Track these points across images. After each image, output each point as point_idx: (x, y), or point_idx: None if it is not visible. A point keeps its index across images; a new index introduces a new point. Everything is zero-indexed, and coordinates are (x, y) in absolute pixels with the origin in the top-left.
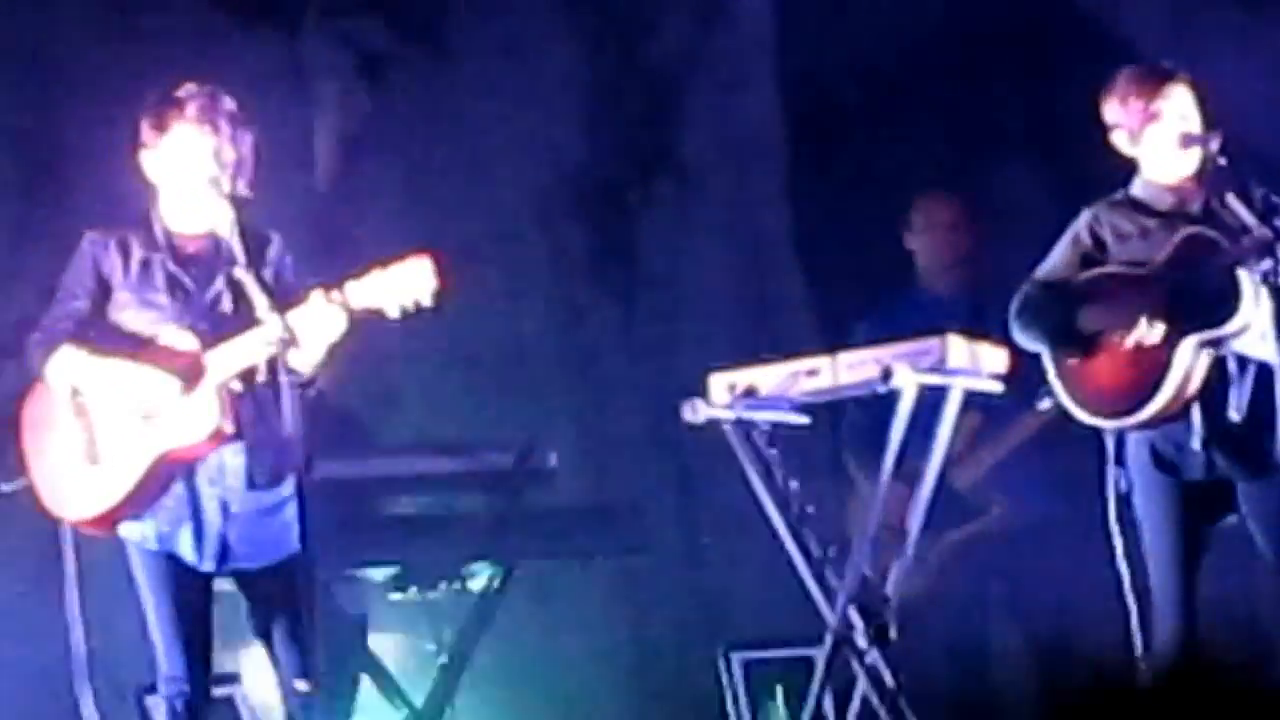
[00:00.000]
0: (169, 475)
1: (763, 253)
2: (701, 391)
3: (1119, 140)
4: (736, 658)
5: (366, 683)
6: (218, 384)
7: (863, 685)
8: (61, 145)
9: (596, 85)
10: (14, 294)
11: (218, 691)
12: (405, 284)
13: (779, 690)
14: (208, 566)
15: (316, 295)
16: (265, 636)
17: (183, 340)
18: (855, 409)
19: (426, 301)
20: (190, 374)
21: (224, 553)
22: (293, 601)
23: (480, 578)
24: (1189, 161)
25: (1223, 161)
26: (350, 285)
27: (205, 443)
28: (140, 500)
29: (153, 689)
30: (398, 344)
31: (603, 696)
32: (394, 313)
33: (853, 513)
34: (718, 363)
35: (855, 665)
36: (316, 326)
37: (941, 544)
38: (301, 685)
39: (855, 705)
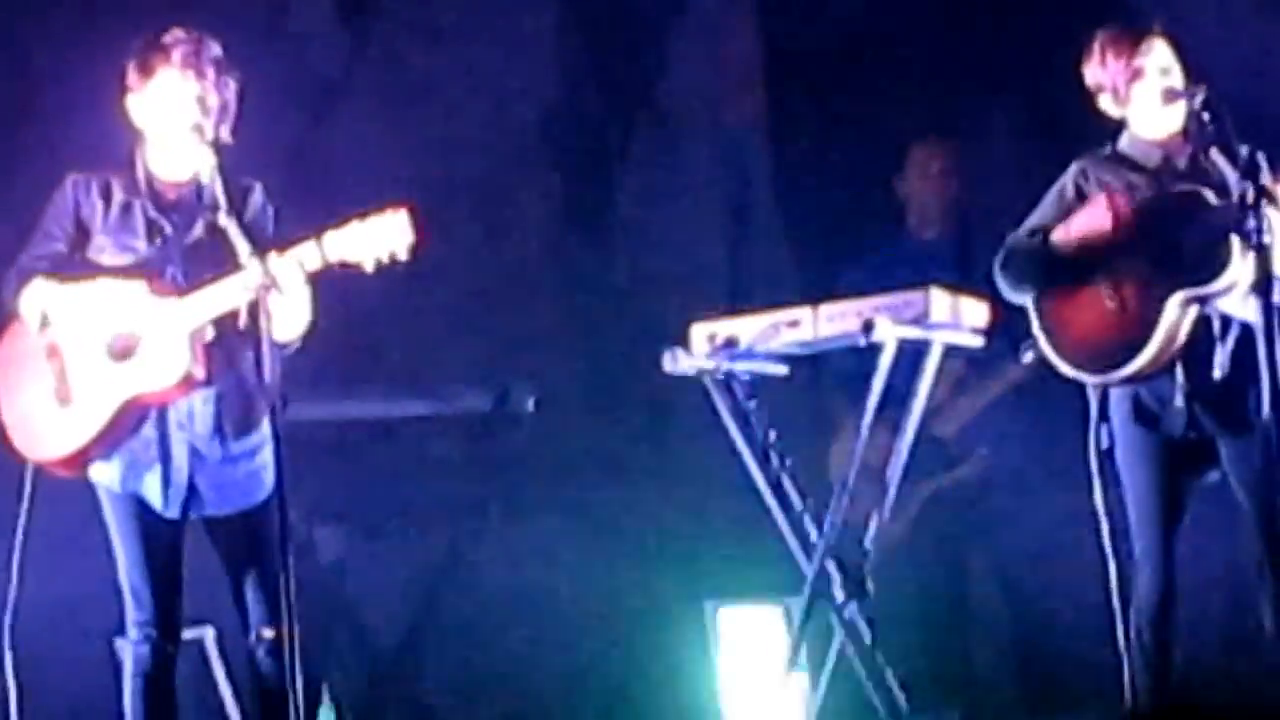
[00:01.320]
0: (139, 418)
1: (744, 200)
2: (682, 340)
3: (1105, 103)
4: (712, 606)
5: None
6: (192, 329)
7: (839, 638)
8: (42, 87)
9: (577, 29)
10: None
11: (187, 634)
12: (382, 237)
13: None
14: (172, 513)
15: (300, 248)
16: (233, 582)
17: (158, 284)
18: (842, 355)
19: (403, 255)
20: (163, 303)
21: (191, 499)
22: (261, 548)
23: (452, 523)
24: (1175, 117)
25: (1206, 117)
26: (329, 236)
27: (176, 387)
28: (109, 441)
29: (122, 632)
30: (376, 287)
31: (577, 640)
32: (370, 266)
33: (835, 459)
34: (698, 310)
35: (833, 618)
36: (295, 276)
37: (921, 490)
38: (267, 632)
39: (832, 657)
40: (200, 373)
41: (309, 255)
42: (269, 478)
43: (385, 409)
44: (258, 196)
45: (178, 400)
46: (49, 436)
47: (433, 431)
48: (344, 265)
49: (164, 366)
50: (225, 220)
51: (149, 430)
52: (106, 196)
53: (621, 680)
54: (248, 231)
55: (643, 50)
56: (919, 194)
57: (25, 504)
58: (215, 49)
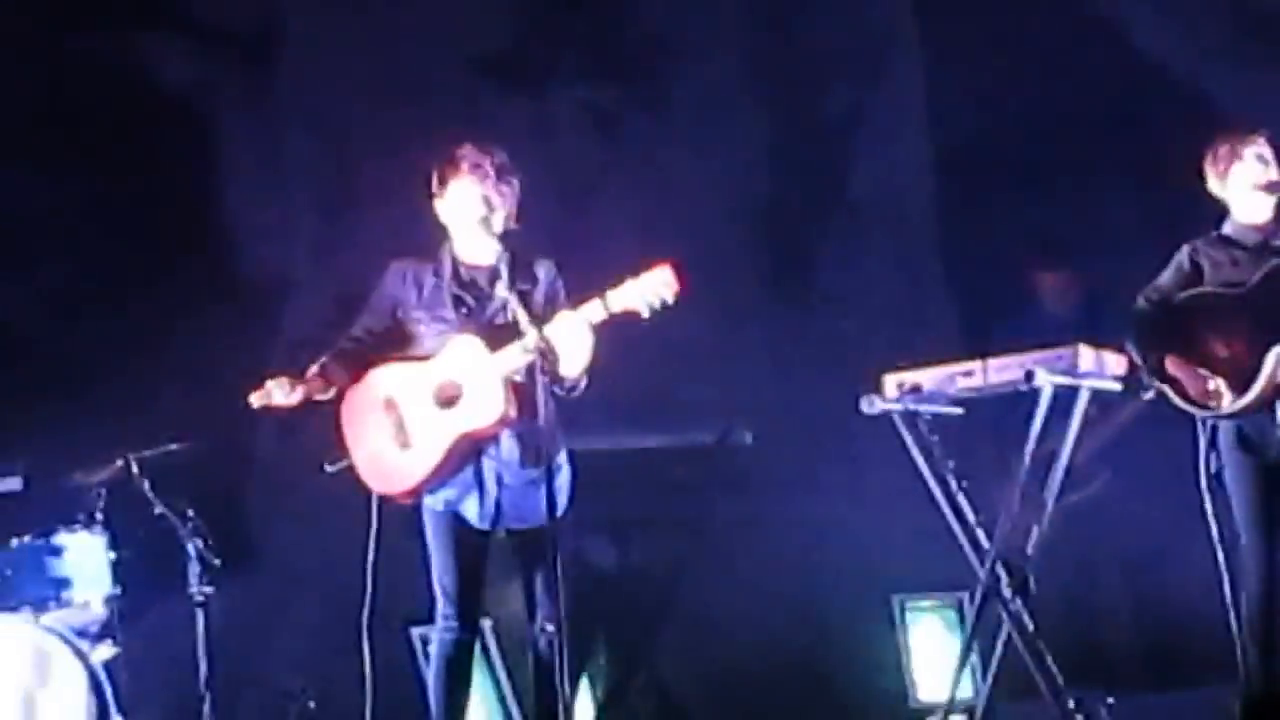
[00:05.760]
0: (466, 453)
1: (916, 273)
2: (875, 387)
3: (1213, 187)
4: (896, 599)
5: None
6: (500, 379)
7: (1007, 628)
8: (353, 185)
9: (781, 135)
10: (314, 301)
11: None
12: (653, 288)
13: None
14: (484, 526)
15: (583, 308)
16: (525, 584)
17: (473, 344)
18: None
19: (670, 301)
20: (479, 372)
21: (498, 515)
22: (547, 556)
23: (686, 533)
24: (1269, 204)
25: None
26: (610, 293)
27: (495, 424)
28: (443, 474)
29: (415, 623)
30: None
31: (787, 630)
32: (645, 312)
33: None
34: (879, 363)
35: (1002, 612)
36: (573, 334)
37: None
38: (548, 627)
39: (1000, 645)
40: (514, 412)
41: (595, 310)
42: (561, 499)
43: (635, 441)
44: (547, 270)
45: (496, 435)
46: (395, 474)
47: (670, 460)
48: (626, 314)
49: (485, 409)
50: (507, 294)
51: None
52: (421, 279)
53: (825, 657)
54: (527, 303)
55: (833, 154)
56: (1050, 297)
57: (375, 526)
58: (498, 157)
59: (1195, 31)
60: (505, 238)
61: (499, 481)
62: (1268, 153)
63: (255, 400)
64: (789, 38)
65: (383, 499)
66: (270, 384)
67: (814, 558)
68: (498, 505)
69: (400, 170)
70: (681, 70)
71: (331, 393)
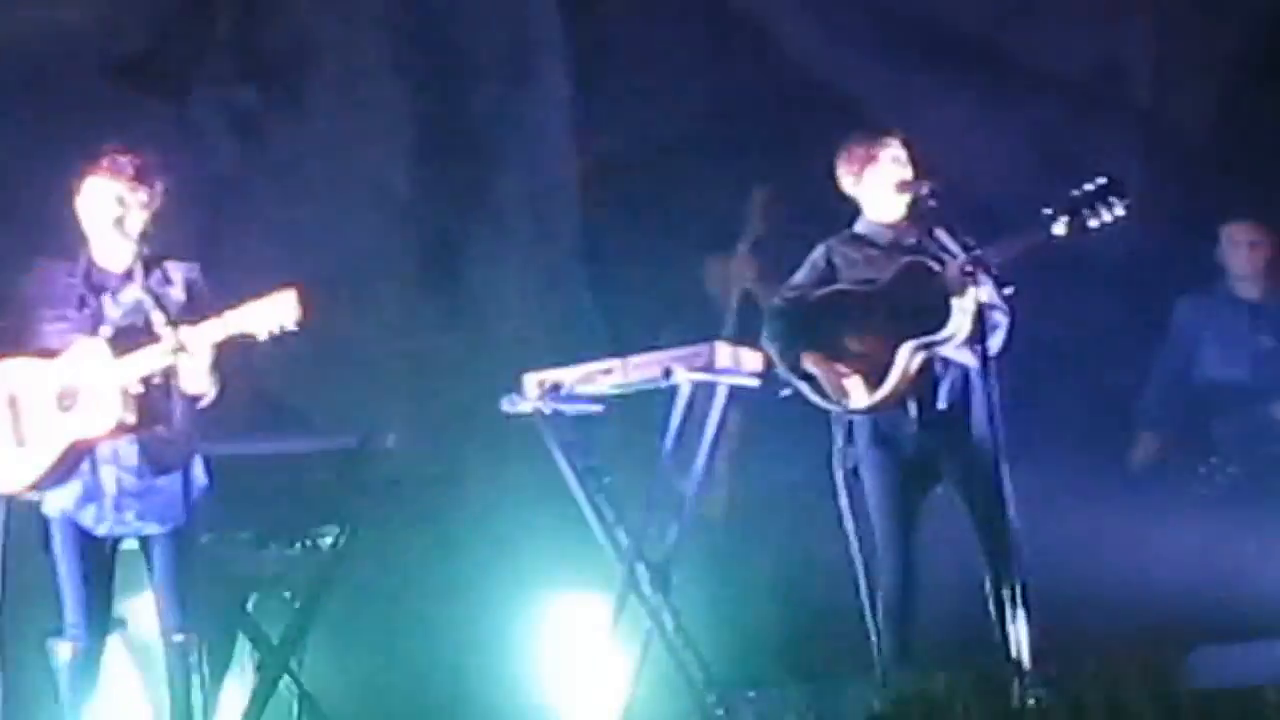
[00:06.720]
0: (80, 457)
1: (560, 274)
2: (516, 388)
3: (846, 186)
4: (540, 598)
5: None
6: (123, 385)
7: (649, 625)
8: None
9: (425, 136)
10: None
11: None
12: (274, 313)
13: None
14: (102, 532)
15: (202, 326)
16: (154, 592)
17: (96, 348)
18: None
19: (291, 327)
20: (98, 377)
21: (119, 522)
22: (176, 564)
23: (328, 538)
24: (902, 203)
25: (932, 203)
26: (229, 313)
27: (111, 433)
28: (57, 476)
29: (58, 633)
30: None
31: (433, 634)
32: (264, 336)
33: None
34: (522, 364)
35: (642, 609)
36: (203, 345)
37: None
38: (178, 637)
39: (643, 643)
40: (132, 420)
41: (214, 329)
42: (186, 505)
43: (276, 447)
44: (186, 273)
45: (110, 441)
46: (8, 473)
47: (313, 464)
48: (243, 336)
49: (101, 416)
50: (142, 296)
51: (85, 467)
52: (56, 279)
53: (471, 658)
54: (163, 306)
55: (479, 155)
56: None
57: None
58: (135, 160)
59: (841, 35)
60: (143, 241)
61: (119, 488)
62: (902, 153)
63: None
64: (433, 38)
65: (14, 501)
66: None
67: (461, 559)
68: (117, 512)
69: (34, 176)
70: (323, 71)
71: None
